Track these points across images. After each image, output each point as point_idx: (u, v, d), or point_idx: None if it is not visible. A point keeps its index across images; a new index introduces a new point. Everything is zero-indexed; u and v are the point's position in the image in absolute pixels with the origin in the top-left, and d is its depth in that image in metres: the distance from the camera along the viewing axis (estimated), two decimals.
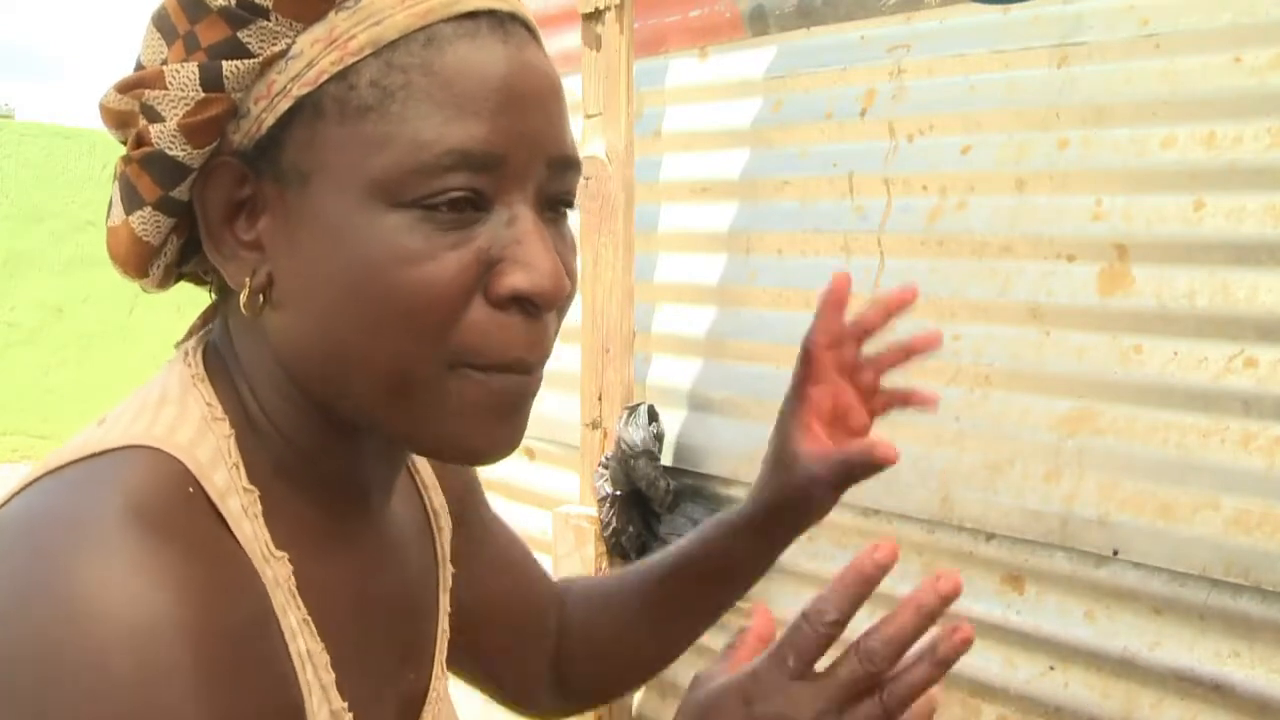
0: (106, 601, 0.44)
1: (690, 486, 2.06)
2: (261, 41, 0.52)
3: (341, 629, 0.58)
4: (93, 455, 0.51)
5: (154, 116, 0.53)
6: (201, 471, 0.52)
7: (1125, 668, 1.51)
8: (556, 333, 0.58)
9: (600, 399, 2.08)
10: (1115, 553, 1.50)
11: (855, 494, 1.79)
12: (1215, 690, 1.42)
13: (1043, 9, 1.62)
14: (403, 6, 0.52)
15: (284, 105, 0.52)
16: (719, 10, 2.08)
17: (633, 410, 2.03)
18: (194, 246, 0.59)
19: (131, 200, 0.55)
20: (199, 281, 0.63)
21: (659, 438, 2.04)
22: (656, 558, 0.89)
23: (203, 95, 0.52)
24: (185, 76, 0.52)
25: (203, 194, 0.55)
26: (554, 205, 0.57)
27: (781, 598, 1.95)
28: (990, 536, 1.65)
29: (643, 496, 2.01)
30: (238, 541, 0.52)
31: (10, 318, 5.87)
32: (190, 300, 0.63)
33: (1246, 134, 1.43)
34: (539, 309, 0.54)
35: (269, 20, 0.51)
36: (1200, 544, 1.42)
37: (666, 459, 2.06)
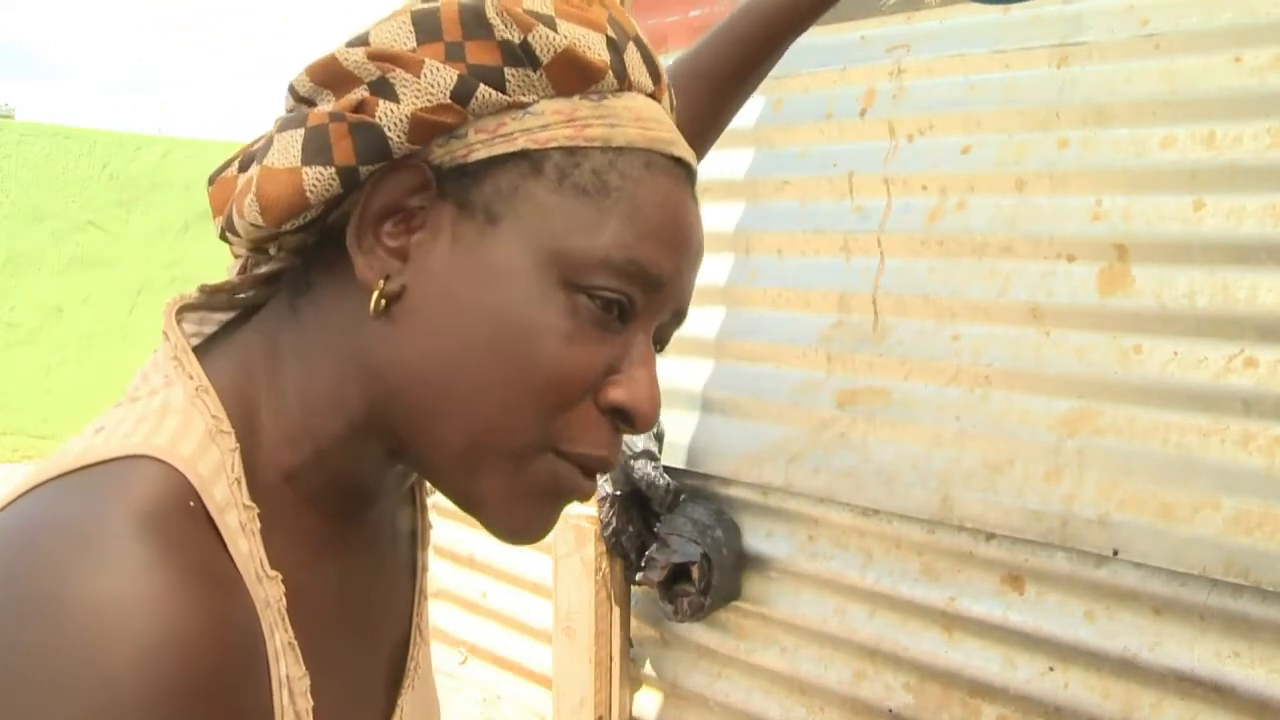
0: (104, 617, 0.44)
1: (690, 486, 2.06)
2: (518, 86, 0.55)
3: (327, 647, 0.57)
4: (93, 465, 0.51)
5: (390, 94, 0.54)
6: (203, 485, 0.51)
7: (1125, 668, 1.51)
8: None
9: None
10: (1115, 553, 1.50)
11: (855, 494, 1.80)
12: (1215, 690, 1.42)
13: (1043, 9, 1.62)
14: (636, 124, 0.57)
15: (505, 148, 0.55)
16: (719, 10, 2.08)
17: None
18: (308, 224, 0.58)
19: (318, 153, 0.54)
20: (263, 252, 0.61)
21: (659, 438, 2.04)
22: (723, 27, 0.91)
23: (447, 101, 0.54)
24: (442, 77, 0.54)
25: (380, 183, 0.55)
26: (656, 342, 0.62)
27: (781, 598, 1.95)
28: (990, 536, 1.65)
29: (643, 496, 2.01)
30: (233, 560, 0.52)
31: (10, 318, 5.86)
32: None
33: (1246, 134, 1.43)
34: (629, 428, 0.58)
35: (534, 73, 0.55)
36: (1200, 544, 1.42)
37: (666, 459, 2.06)
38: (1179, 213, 1.48)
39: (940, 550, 1.72)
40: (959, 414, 1.68)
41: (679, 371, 2.13)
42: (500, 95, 0.54)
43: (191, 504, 0.51)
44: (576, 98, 0.56)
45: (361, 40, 0.56)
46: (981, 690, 1.67)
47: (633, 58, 0.58)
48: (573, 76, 0.55)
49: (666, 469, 2.03)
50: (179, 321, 0.60)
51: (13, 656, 0.44)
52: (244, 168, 0.58)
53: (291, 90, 0.58)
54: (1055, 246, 1.60)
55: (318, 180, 0.54)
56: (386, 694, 0.67)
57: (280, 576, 0.54)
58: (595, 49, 0.56)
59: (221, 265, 0.63)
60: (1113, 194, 1.55)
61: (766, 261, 2.00)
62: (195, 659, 0.45)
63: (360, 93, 0.54)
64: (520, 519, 0.58)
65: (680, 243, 0.58)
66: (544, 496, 0.57)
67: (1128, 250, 1.53)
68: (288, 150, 0.55)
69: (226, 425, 0.55)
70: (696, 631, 2.08)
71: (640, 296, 0.56)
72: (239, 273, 0.62)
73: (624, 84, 0.57)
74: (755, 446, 1.95)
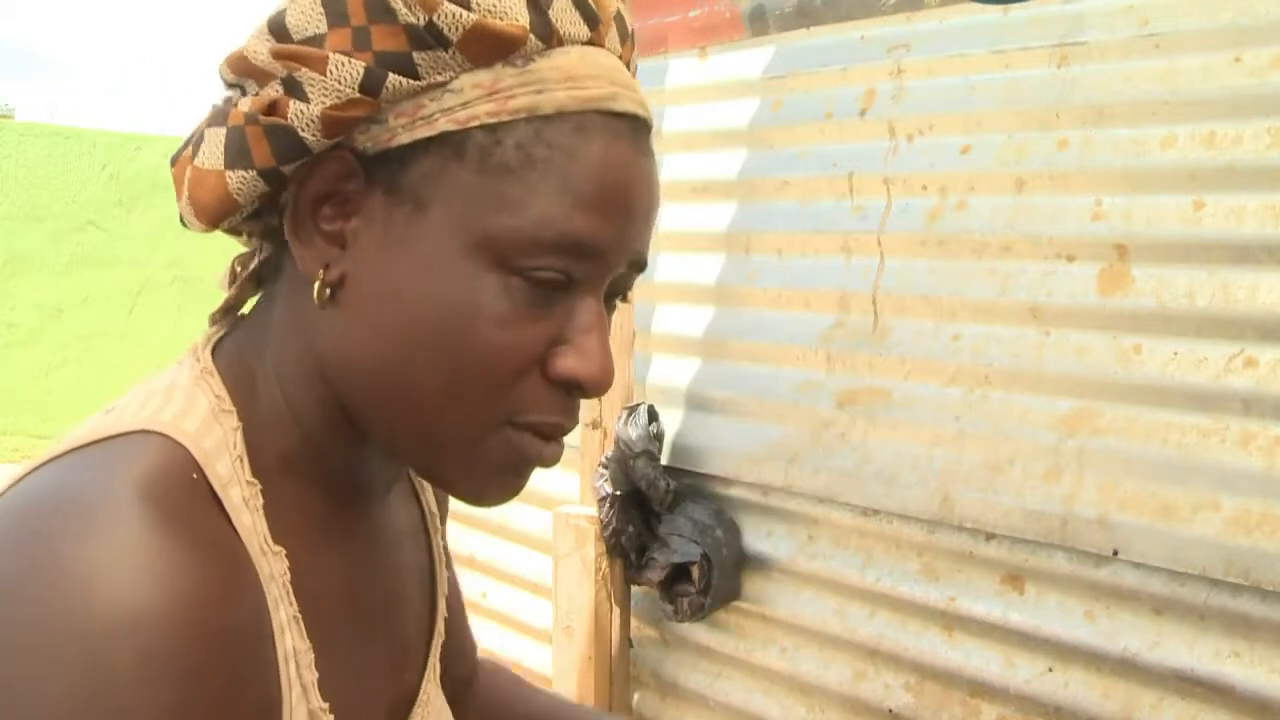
0: (107, 587, 0.44)
1: (690, 486, 2.06)
2: (431, 67, 0.53)
3: (332, 626, 0.58)
4: (100, 440, 0.52)
5: (299, 94, 0.53)
6: (206, 460, 0.52)
7: (1125, 668, 1.51)
8: None
9: (600, 399, 2.08)
10: (1115, 553, 1.50)
11: (855, 494, 1.80)
12: (1215, 690, 1.42)
13: (1043, 9, 1.62)
14: (564, 86, 0.54)
15: (425, 131, 0.53)
16: (719, 10, 2.08)
17: (632, 410, 2.03)
18: (257, 210, 0.59)
19: (239, 157, 0.54)
20: (233, 233, 0.62)
21: (659, 438, 2.04)
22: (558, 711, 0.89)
23: (357, 95, 0.52)
24: (348, 72, 0.52)
25: (307, 177, 0.55)
26: (613, 296, 0.60)
27: (781, 598, 1.95)
28: (990, 536, 1.65)
29: (643, 496, 2.01)
30: (236, 533, 0.52)
31: (10, 318, 5.86)
32: (191, 301, 0.63)
33: (1246, 134, 1.43)
34: (582, 394, 0.57)
35: (446, 52, 0.53)
36: (1200, 544, 1.42)
37: (666, 459, 2.06)
38: (1179, 213, 1.48)
39: (940, 550, 1.72)
40: (959, 414, 1.68)
41: (679, 371, 2.13)
42: (413, 81, 0.53)
43: (195, 476, 0.51)
44: (499, 66, 0.53)
45: (278, 21, 0.55)
46: (981, 690, 1.67)
47: (561, 9, 0.54)
48: (489, 48, 0.53)
49: (666, 469, 2.03)
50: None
51: (16, 623, 0.44)
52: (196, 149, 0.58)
53: (220, 76, 0.58)
54: (1055, 246, 1.60)
55: (242, 183, 0.55)
56: (392, 712, 0.67)
57: (284, 551, 0.54)
58: (511, 14, 0.53)
59: (222, 265, 0.64)
60: (1113, 194, 1.55)
61: (766, 261, 2.00)
62: (197, 626, 0.45)
63: (274, 89, 0.54)
64: (486, 490, 0.58)
65: (621, 205, 0.55)
66: (506, 467, 0.57)
67: (1128, 250, 1.53)
68: (214, 151, 0.55)
69: (229, 405, 0.56)
70: (696, 631, 2.08)
71: (579, 268, 0.55)
72: (229, 282, 0.63)
73: (552, 41, 0.54)
74: (755, 446, 1.95)
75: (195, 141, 0.57)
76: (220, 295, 0.63)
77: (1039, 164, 1.62)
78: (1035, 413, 1.60)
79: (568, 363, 0.55)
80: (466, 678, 0.86)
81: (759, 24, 2.01)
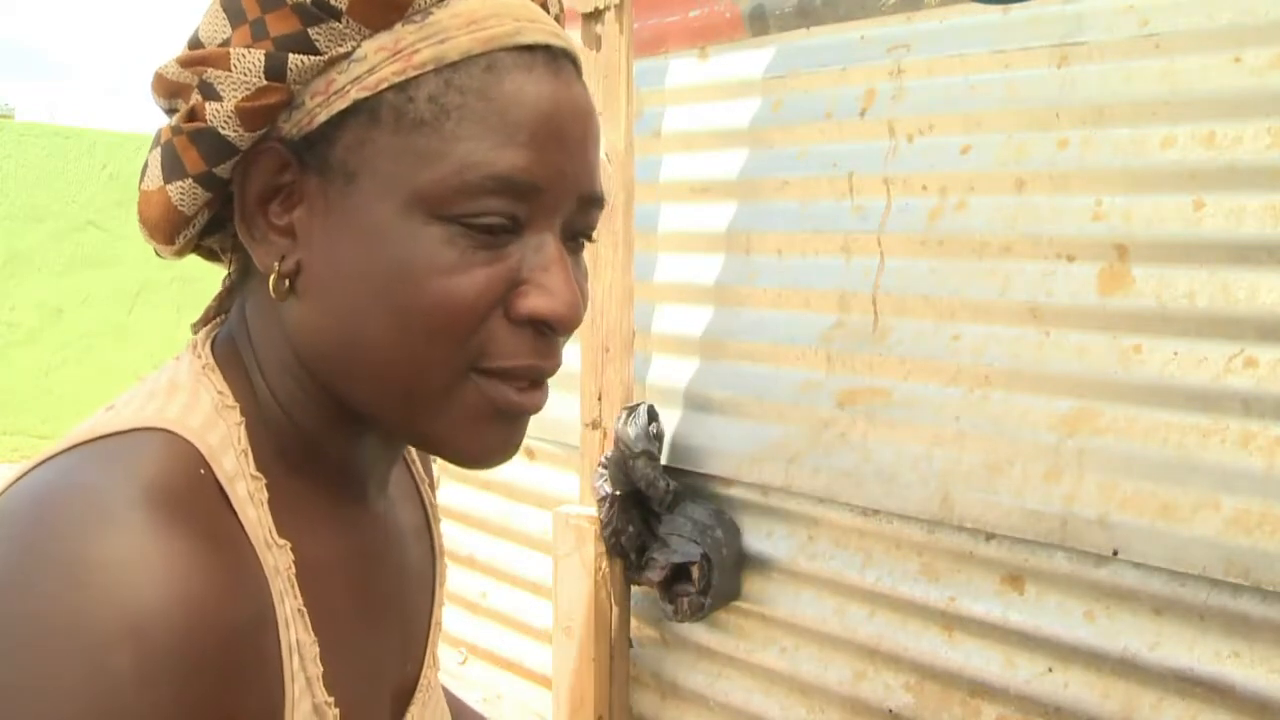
0: (116, 586, 0.44)
1: (690, 486, 2.06)
2: (329, 41, 0.53)
3: (336, 619, 0.58)
4: (104, 437, 0.52)
5: (212, 95, 0.54)
6: (212, 455, 0.53)
7: (1125, 668, 1.51)
8: (562, 350, 0.60)
9: (600, 399, 2.08)
10: (1115, 553, 1.50)
11: (855, 494, 1.80)
12: (1215, 690, 1.42)
13: (1043, 9, 1.62)
14: (467, 30, 0.54)
15: (340, 105, 0.54)
16: (719, 10, 2.08)
17: (632, 410, 2.03)
18: (218, 222, 0.60)
19: (173, 169, 0.55)
20: (212, 257, 0.64)
21: (658, 438, 2.04)
22: None
23: (264, 83, 0.53)
24: (250, 62, 0.53)
25: (244, 175, 0.56)
26: (575, 236, 0.59)
27: (781, 597, 1.95)
28: (990, 536, 1.65)
29: (642, 496, 2.01)
30: (243, 527, 0.53)
31: (10, 318, 5.86)
32: (191, 301, 0.63)
33: (1246, 134, 1.43)
34: (553, 332, 0.57)
35: (340, 22, 0.53)
36: (1200, 544, 1.42)
37: (666, 459, 2.06)
38: (1179, 213, 1.48)
39: (940, 550, 1.72)
40: (959, 414, 1.68)
41: (679, 371, 2.13)
42: (315, 57, 0.53)
43: (202, 472, 0.52)
44: (398, 26, 0.54)
45: (194, 39, 0.56)
46: (981, 690, 1.67)
47: None
48: (382, 10, 0.53)
49: (666, 469, 2.03)
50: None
51: (22, 619, 0.44)
52: None
53: (157, 106, 0.59)
54: (1055, 246, 1.60)
55: (182, 194, 0.56)
56: (394, 702, 0.67)
57: (289, 545, 0.55)
58: None
59: (221, 266, 0.65)
60: (1113, 194, 1.55)
61: (766, 261, 2.00)
62: (203, 626, 0.46)
63: (194, 98, 0.55)
64: (476, 444, 0.58)
65: (547, 136, 0.54)
66: (489, 418, 0.57)
67: (1128, 250, 1.53)
68: (155, 170, 0.57)
69: (231, 400, 0.57)
70: (696, 631, 2.08)
71: (520, 208, 0.54)
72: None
73: None
74: (755, 446, 1.95)
75: (141, 172, 0.59)
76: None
77: (1039, 164, 1.62)
78: (1035, 413, 1.60)
79: (529, 301, 0.55)
80: None
81: (759, 24, 2.01)
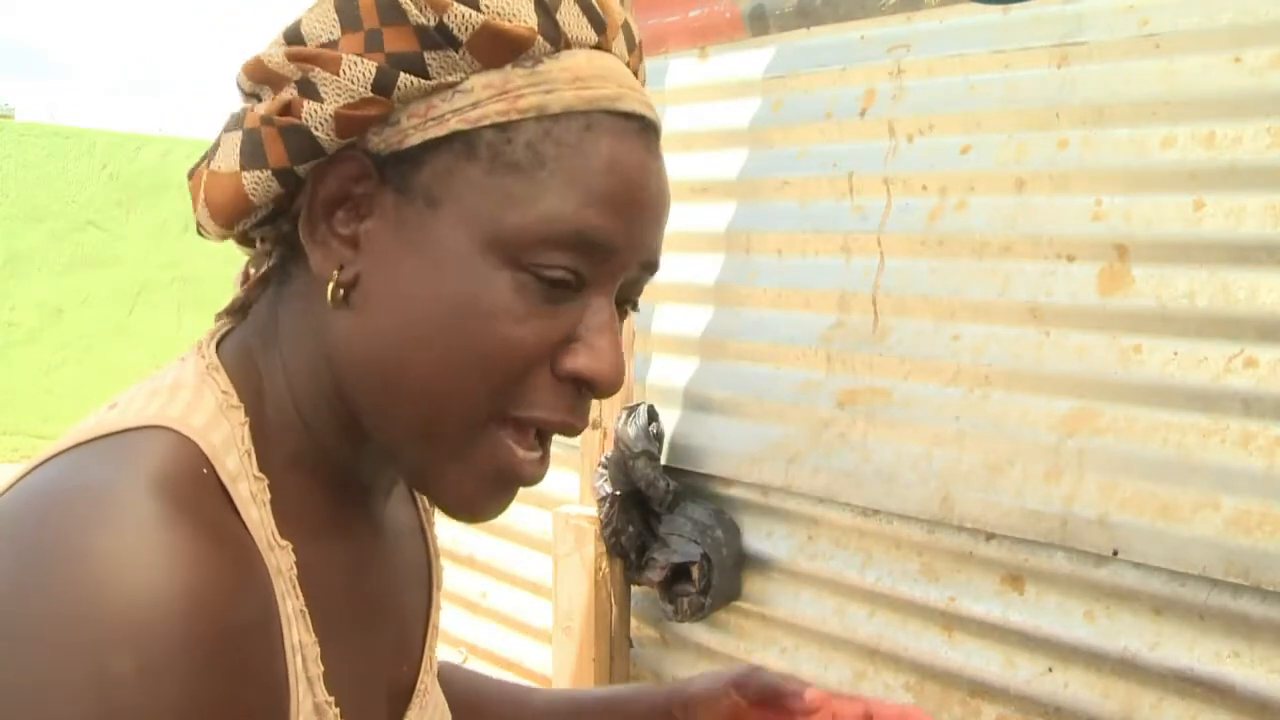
0: (119, 583, 0.44)
1: (690, 486, 2.06)
2: (441, 67, 0.54)
3: (337, 620, 0.58)
4: (107, 435, 0.52)
5: (313, 94, 0.54)
6: (215, 455, 0.53)
7: (1125, 668, 1.51)
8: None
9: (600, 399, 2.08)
10: (1115, 553, 1.50)
11: (855, 494, 1.80)
12: (1215, 690, 1.42)
13: (1043, 9, 1.62)
14: (572, 86, 0.55)
15: (437, 131, 0.54)
16: (719, 10, 2.08)
17: (632, 410, 2.03)
18: (272, 215, 0.60)
19: (253, 158, 0.55)
20: (247, 244, 0.63)
21: (658, 437, 2.04)
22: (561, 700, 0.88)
23: (370, 95, 0.54)
24: (360, 72, 0.53)
25: (321, 178, 0.56)
26: (623, 303, 0.61)
27: (781, 598, 1.95)
28: (990, 536, 1.65)
29: (642, 496, 2.01)
30: (245, 527, 0.53)
31: (10, 318, 5.87)
32: (191, 301, 0.63)
33: (1246, 134, 1.43)
34: (592, 393, 0.58)
35: (456, 52, 0.54)
36: (1200, 544, 1.42)
37: (666, 459, 2.06)
38: (1179, 213, 1.48)
39: (940, 550, 1.72)
40: (959, 414, 1.68)
41: (679, 371, 2.13)
42: (424, 81, 0.54)
43: (205, 471, 0.52)
44: (509, 68, 0.55)
45: (294, 30, 0.56)
46: (981, 690, 1.67)
47: (568, 13, 0.56)
48: (498, 49, 0.54)
49: (666, 469, 2.03)
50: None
51: (26, 615, 0.44)
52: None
53: (239, 86, 0.59)
54: (1055, 246, 1.60)
55: (257, 183, 0.56)
56: (391, 705, 0.67)
57: (291, 546, 0.55)
58: (520, 16, 0.54)
59: (222, 265, 0.64)
60: (1113, 194, 1.55)
61: (766, 261, 2.00)
62: (205, 625, 0.46)
63: (289, 92, 0.55)
64: (475, 499, 0.58)
65: (631, 203, 0.57)
66: (492, 478, 0.58)
67: (1128, 250, 1.53)
68: (230, 154, 0.56)
69: (236, 400, 0.57)
70: (696, 631, 2.08)
71: (589, 266, 0.55)
72: (243, 281, 0.63)
73: (560, 44, 0.56)
74: (755, 446, 1.95)
75: (212, 150, 0.58)
76: (224, 294, 0.64)
77: (1039, 164, 1.62)
78: (1035, 413, 1.60)
79: (579, 360, 0.56)
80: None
81: (759, 24, 2.01)
